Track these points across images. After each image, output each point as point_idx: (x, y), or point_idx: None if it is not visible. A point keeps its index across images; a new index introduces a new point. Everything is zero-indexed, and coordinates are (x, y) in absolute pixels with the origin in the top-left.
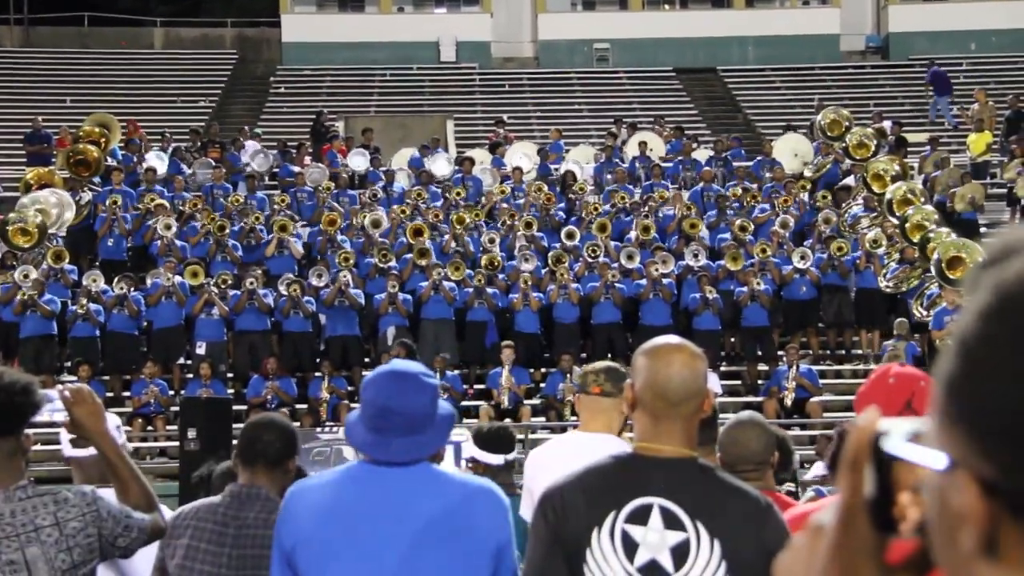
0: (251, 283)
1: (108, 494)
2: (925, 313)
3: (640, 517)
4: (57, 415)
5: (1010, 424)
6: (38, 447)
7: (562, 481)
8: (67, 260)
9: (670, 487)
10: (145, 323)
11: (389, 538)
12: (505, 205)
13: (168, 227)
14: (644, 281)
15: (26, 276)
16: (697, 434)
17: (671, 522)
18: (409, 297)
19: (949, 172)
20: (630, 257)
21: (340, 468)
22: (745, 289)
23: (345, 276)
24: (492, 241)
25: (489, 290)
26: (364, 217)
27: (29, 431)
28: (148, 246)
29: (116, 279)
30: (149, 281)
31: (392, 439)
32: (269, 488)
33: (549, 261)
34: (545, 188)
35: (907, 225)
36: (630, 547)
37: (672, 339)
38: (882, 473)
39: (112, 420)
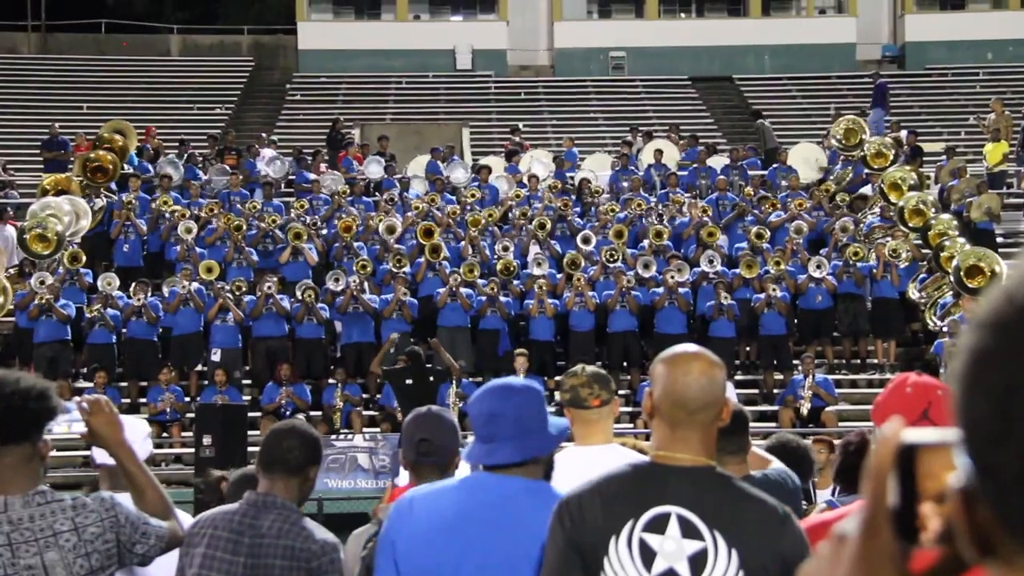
0: (268, 287)
1: (125, 499)
2: (939, 322)
3: (658, 526)
4: (74, 425)
5: (984, 435)
6: (55, 453)
7: (580, 488)
8: (83, 262)
9: (688, 496)
10: (161, 329)
11: (497, 551)
12: (520, 210)
13: (189, 231)
14: (660, 289)
15: (42, 283)
16: (728, 443)
17: (689, 531)
18: (416, 302)
19: (966, 182)
20: (646, 266)
21: (457, 479)
22: (762, 296)
23: (356, 281)
24: (506, 249)
25: (502, 298)
26: (379, 220)
27: (47, 437)
28: (164, 251)
29: (132, 285)
30: (166, 289)
31: (502, 442)
32: (287, 496)
33: (564, 266)
34: (559, 197)
35: (929, 234)
36: (648, 556)
37: (690, 347)
38: (905, 482)
39: (143, 429)
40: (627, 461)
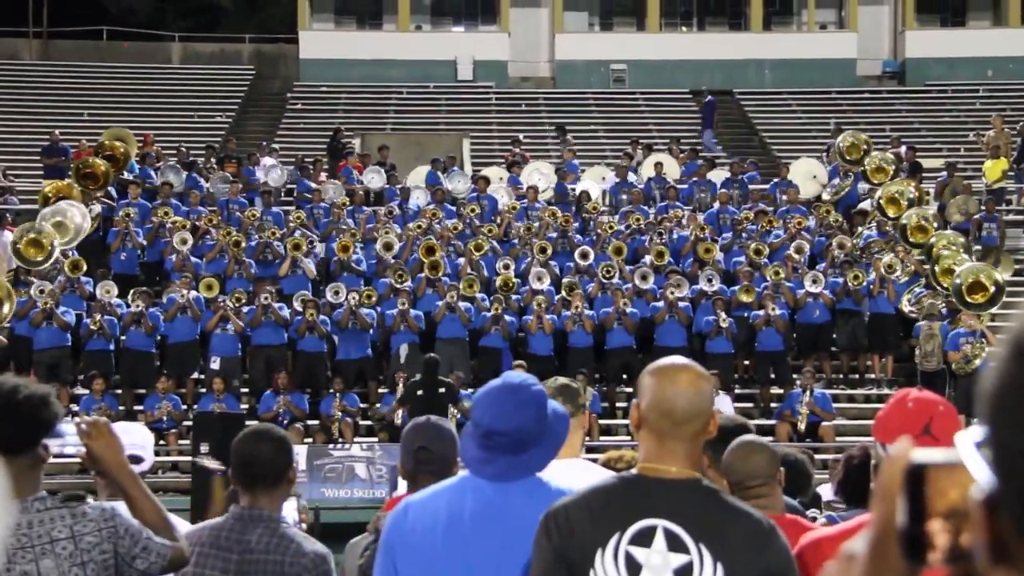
0: (266, 298)
1: (125, 508)
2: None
3: (644, 539)
4: (68, 449)
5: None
6: (51, 460)
7: (567, 500)
8: (84, 270)
9: (674, 509)
10: (159, 338)
11: (491, 550)
12: (519, 224)
13: (184, 241)
14: (660, 304)
15: (41, 291)
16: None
17: (675, 544)
18: (421, 314)
19: (963, 198)
20: (644, 278)
21: (451, 481)
22: (761, 313)
23: (354, 298)
24: (507, 267)
25: (507, 318)
26: (379, 234)
27: (48, 441)
28: (163, 262)
29: (132, 294)
30: (165, 298)
31: (499, 457)
32: (272, 506)
33: (563, 290)
34: (560, 212)
35: (933, 251)
36: (634, 569)
37: (678, 359)
38: (914, 502)
39: (149, 437)
40: (592, 475)
